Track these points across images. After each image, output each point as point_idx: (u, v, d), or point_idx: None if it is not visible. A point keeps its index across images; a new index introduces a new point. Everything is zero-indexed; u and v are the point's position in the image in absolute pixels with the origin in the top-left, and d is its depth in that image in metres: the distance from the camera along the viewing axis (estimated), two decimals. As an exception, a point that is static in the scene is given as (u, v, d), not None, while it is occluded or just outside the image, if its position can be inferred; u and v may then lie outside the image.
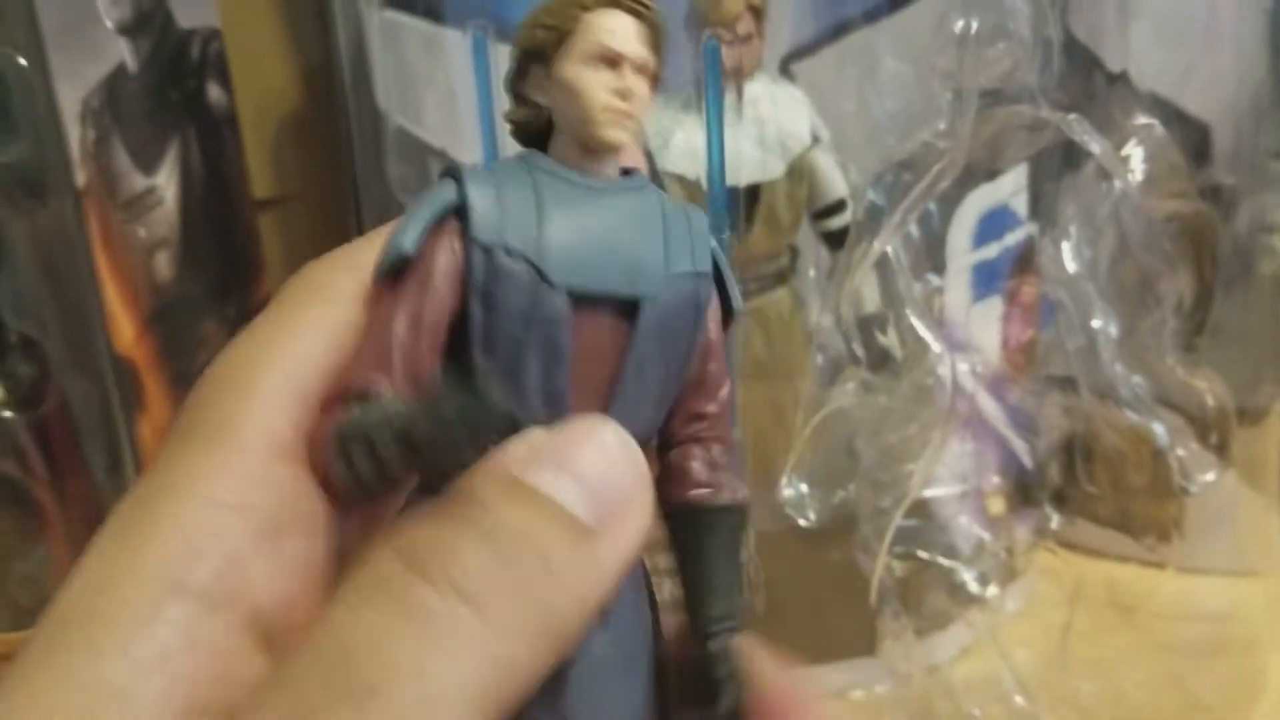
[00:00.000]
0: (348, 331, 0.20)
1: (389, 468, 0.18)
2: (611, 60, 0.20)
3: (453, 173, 0.20)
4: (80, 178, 0.40)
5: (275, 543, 0.18)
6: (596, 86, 0.20)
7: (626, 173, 0.22)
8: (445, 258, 0.19)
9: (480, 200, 0.19)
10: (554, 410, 0.20)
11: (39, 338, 0.42)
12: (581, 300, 0.20)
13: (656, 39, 0.21)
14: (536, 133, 0.21)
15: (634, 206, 0.21)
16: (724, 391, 0.22)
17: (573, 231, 0.20)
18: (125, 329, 0.42)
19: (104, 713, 0.16)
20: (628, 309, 0.20)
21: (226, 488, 0.18)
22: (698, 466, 0.21)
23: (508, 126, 0.22)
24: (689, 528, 0.21)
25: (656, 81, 0.21)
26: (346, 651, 0.16)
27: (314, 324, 0.20)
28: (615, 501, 0.19)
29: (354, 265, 0.20)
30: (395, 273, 0.20)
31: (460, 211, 0.20)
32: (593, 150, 0.21)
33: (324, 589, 0.19)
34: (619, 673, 0.20)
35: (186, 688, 0.17)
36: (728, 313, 0.22)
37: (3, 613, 0.45)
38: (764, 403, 0.48)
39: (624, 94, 0.20)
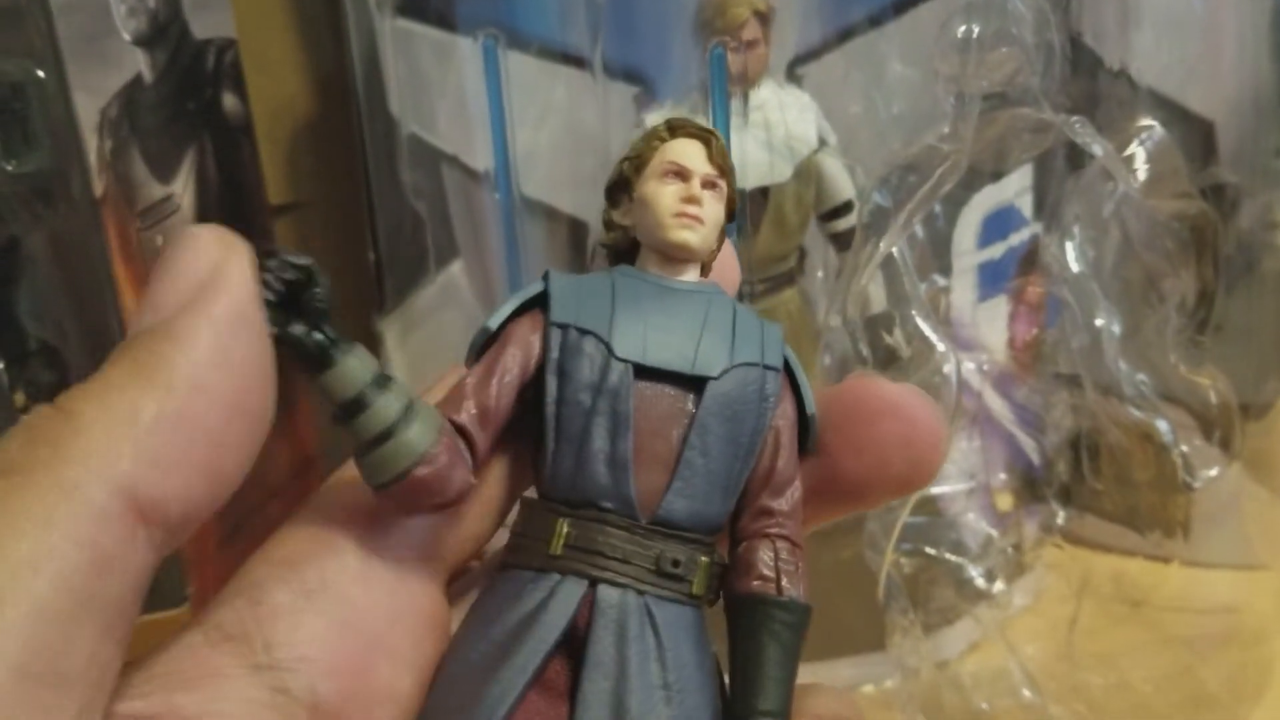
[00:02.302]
0: None
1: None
2: (681, 174, 0.23)
3: (545, 276, 0.23)
4: (98, 187, 0.41)
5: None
6: (667, 196, 0.23)
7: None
8: (524, 332, 0.22)
9: (560, 291, 0.22)
10: (616, 478, 0.21)
11: (58, 345, 0.43)
12: (646, 374, 0.22)
13: (724, 161, 0.24)
14: (624, 252, 0.24)
15: (706, 304, 0.23)
16: (794, 492, 0.23)
17: (642, 316, 0.22)
18: (144, 335, 0.43)
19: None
20: (692, 389, 0.22)
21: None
22: (764, 560, 0.22)
23: (602, 251, 0.25)
24: (748, 618, 0.22)
25: (731, 208, 0.24)
26: None
27: None
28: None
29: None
30: (482, 351, 0.22)
31: (545, 304, 0.22)
32: (669, 257, 0.23)
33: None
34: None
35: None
36: (803, 425, 0.23)
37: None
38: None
39: (691, 199, 0.23)
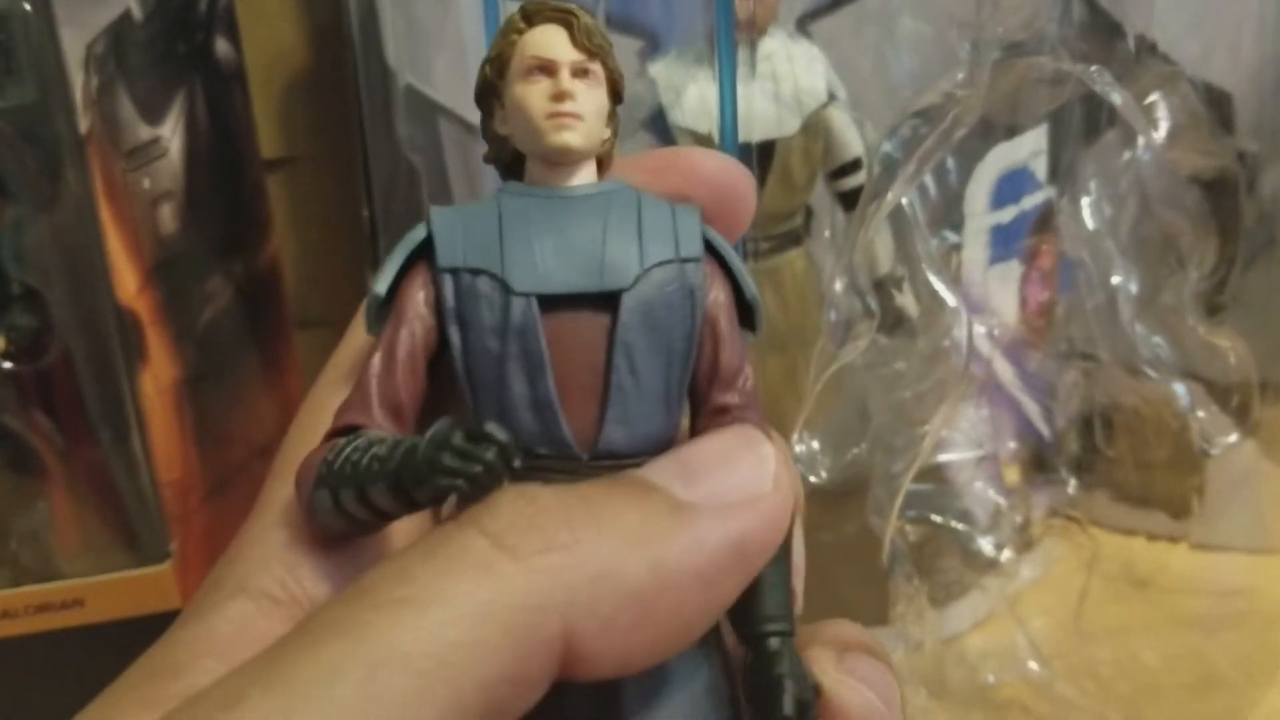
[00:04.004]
0: None
1: (380, 506, 0.18)
2: (545, 69, 0.21)
3: (426, 216, 0.21)
4: (83, 124, 0.40)
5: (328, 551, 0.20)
6: (535, 96, 0.21)
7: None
8: (417, 292, 0.20)
9: (443, 230, 0.20)
10: (545, 421, 0.20)
11: (42, 288, 0.41)
12: (551, 303, 0.20)
13: (592, 42, 0.21)
14: (509, 166, 0.22)
15: (604, 208, 0.21)
16: (746, 380, 0.21)
17: (534, 239, 0.20)
18: (128, 280, 0.41)
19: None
20: (606, 306, 0.20)
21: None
22: None
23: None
24: None
25: (614, 86, 0.22)
26: (371, 576, 0.17)
27: None
28: (728, 489, 0.19)
29: None
30: (379, 319, 0.21)
31: (430, 248, 0.20)
32: (553, 162, 0.21)
33: None
34: None
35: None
36: (745, 308, 0.21)
37: (4, 570, 0.45)
38: (777, 366, 0.47)
39: (561, 96, 0.21)
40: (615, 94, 0.22)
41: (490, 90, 0.22)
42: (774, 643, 0.20)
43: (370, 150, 0.50)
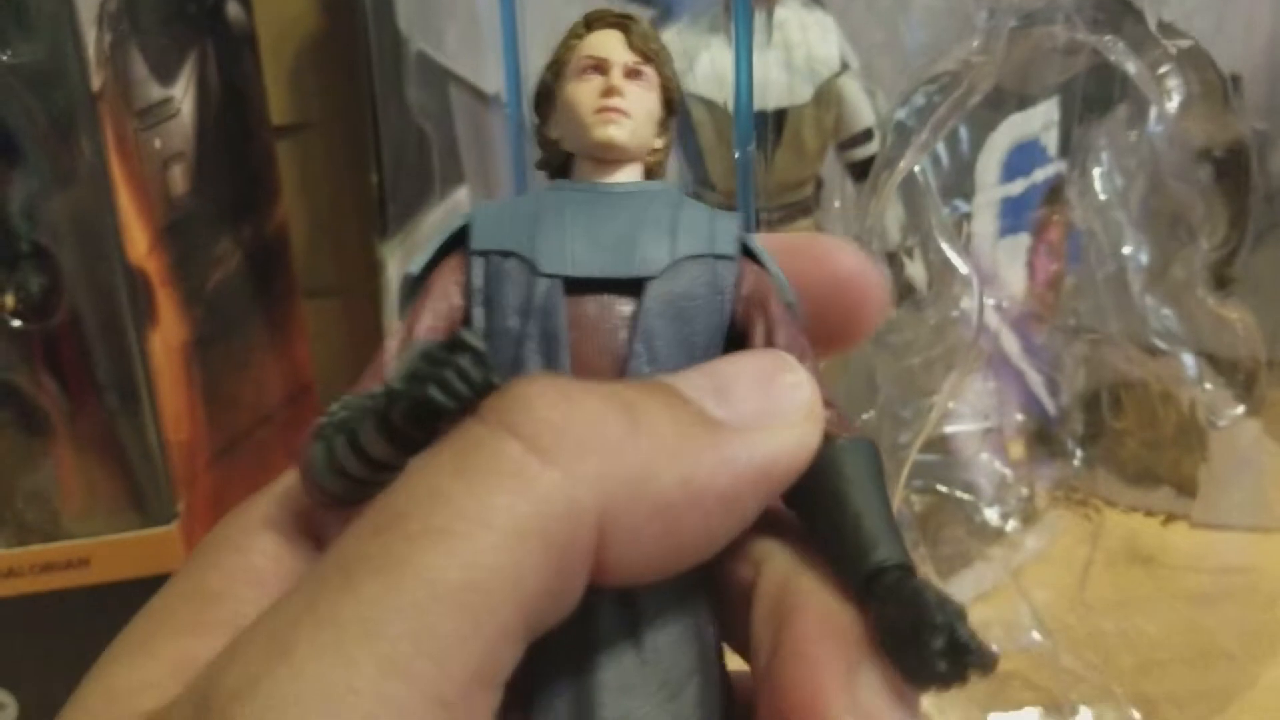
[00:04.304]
0: None
1: (373, 453, 0.18)
2: (599, 67, 0.21)
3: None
4: (96, 81, 0.39)
5: None
6: (586, 93, 0.21)
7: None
8: (447, 275, 0.20)
9: (482, 219, 0.20)
10: None
11: (51, 247, 0.41)
12: (576, 286, 0.20)
13: (648, 46, 0.21)
14: (560, 169, 0.22)
15: (645, 203, 0.21)
16: (815, 361, 0.20)
17: (568, 226, 0.20)
18: (138, 239, 0.41)
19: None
20: (632, 294, 0.20)
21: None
22: None
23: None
24: (825, 468, 0.19)
25: (669, 94, 0.22)
26: (400, 498, 0.16)
27: None
28: (760, 412, 0.18)
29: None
30: (409, 301, 0.21)
31: (466, 237, 0.20)
32: (599, 159, 0.21)
33: None
34: (660, 697, 0.18)
35: None
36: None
37: (9, 529, 0.45)
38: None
39: (611, 91, 0.21)
40: (669, 103, 0.22)
41: (547, 94, 0.22)
42: (893, 576, 0.18)
43: (380, 117, 0.50)
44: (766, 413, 0.18)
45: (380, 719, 0.14)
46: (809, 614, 0.18)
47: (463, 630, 0.15)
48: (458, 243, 0.20)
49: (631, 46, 0.21)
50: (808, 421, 0.18)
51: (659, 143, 0.22)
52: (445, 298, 0.20)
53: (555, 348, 0.19)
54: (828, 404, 0.19)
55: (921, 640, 0.16)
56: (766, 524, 0.19)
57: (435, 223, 0.51)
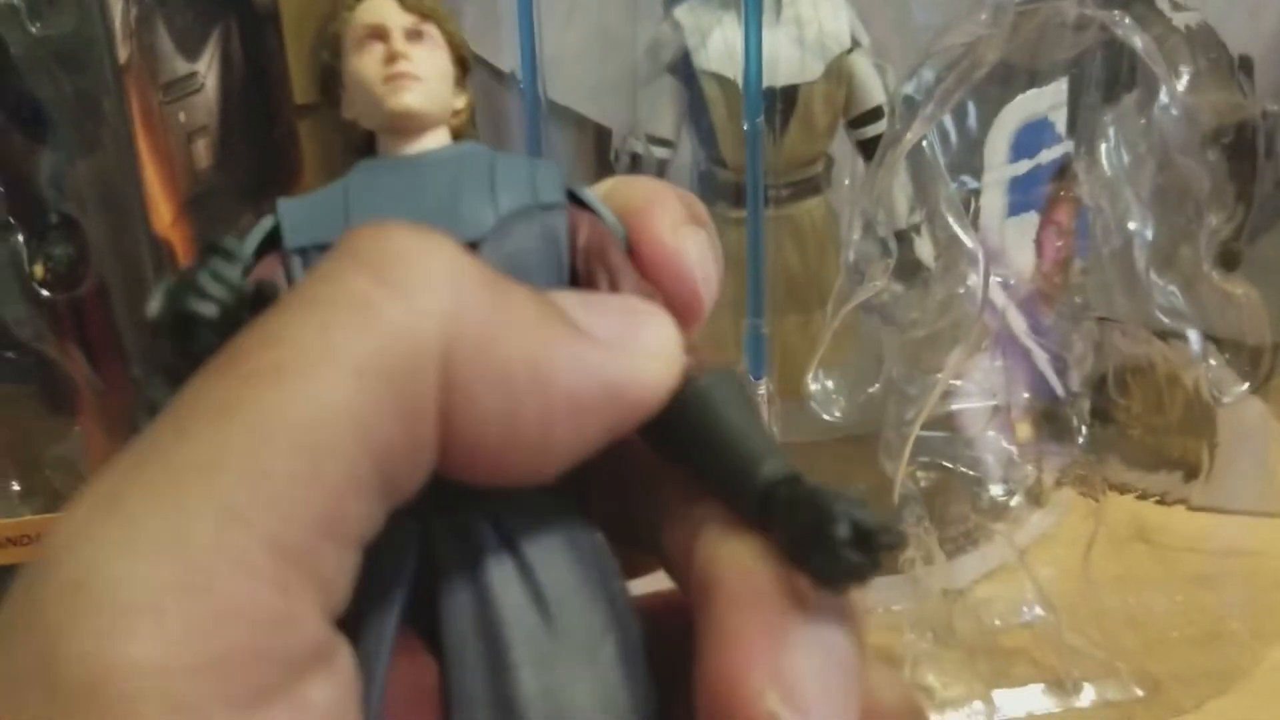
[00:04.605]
0: None
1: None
2: (377, 34, 0.20)
3: (273, 206, 0.20)
4: (123, 54, 0.40)
5: None
6: (370, 63, 0.20)
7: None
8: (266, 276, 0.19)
9: (290, 214, 0.19)
10: None
11: (78, 217, 0.42)
12: None
13: (422, 5, 0.20)
14: (361, 151, 0.21)
15: (457, 165, 0.20)
16: (657, 298, 0.19)
17: (381, 205, 0.19)
18: (163, 210, 0.42)
19: None
20: None
21: None
22: None
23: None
24: (693, 405, 0.18)
25: (457, 51, 0.21)
26: (241, 339, 0.15)
27: None
28: (622, 335, 0.17)
29: None
30: None
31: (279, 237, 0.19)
32: (397, 129, 0.20)
33: None
34: (578, 663, 0.17)
35: None
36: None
37: (37, 495, 0.46)
38: (794, 316, 0.48)
39: (394, 57, 0.20)
40: (461, 60, 0.21)
41: (331, 76, 0.21)
42: (784, 489, 0.16)
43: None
44: (628, 338, 0.17)
45: (218, 569, 0.14)
46: (727, 583, 0.16)
47: (302, 472, 0.14)
48: (271, 245, 0.19)
49: (406, 7, 0.20)
50: (667, 358, 0.17)
51: (459, 103, 0.21)
52: None
53: None
54: (690, 350, 0.18)
55: (825, 535, 0.15)
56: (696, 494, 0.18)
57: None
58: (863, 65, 0.44)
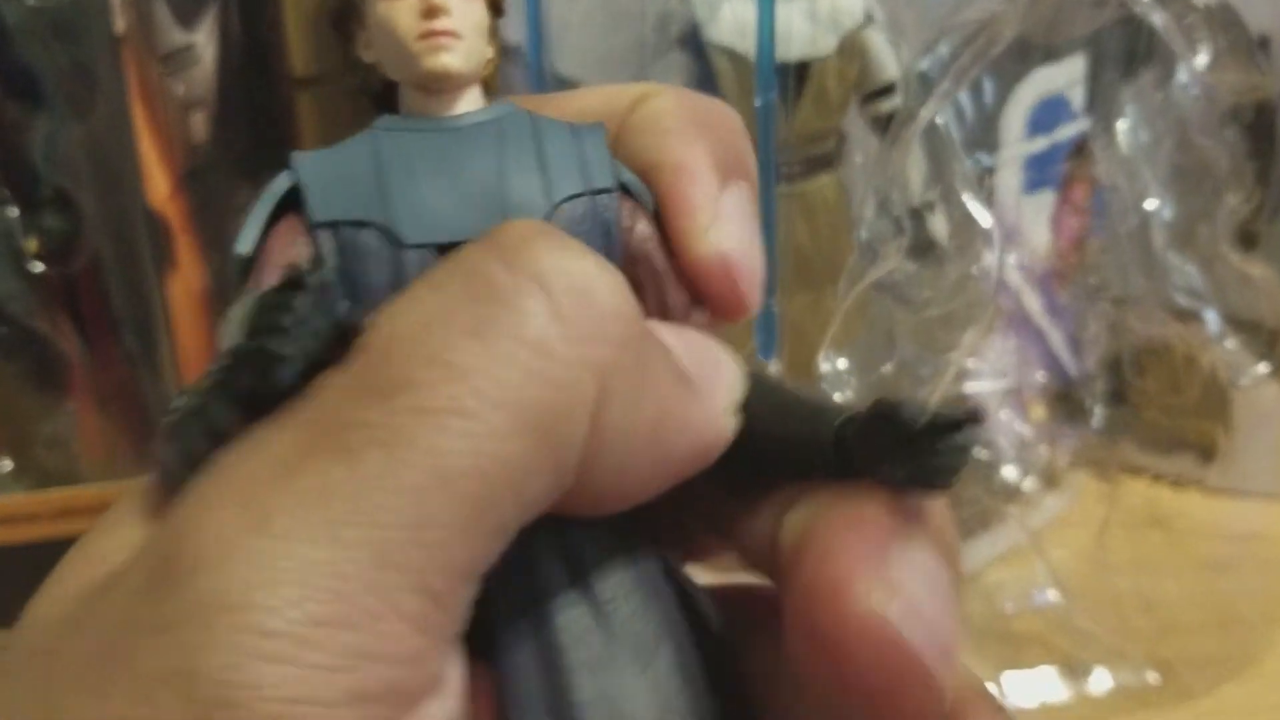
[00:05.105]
0: None
1: (235, 435, 0.15)
2: None
3: (289, 161, 0.18)
4: (119, 24, 0.40)
5: None
6: (404, 14, 0.18)
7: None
8: (289, 251, 0.17)
9: (313, 178, 0.17)
10: None
11: (72, 191, 0.41)
12: (450, 252, 0.17)
13: None
14: (380, 96, 0.19)
15: (498, 137, 0.18)
16: (698, 318, 0.19)
17: (423, 181, 0.17)
18: (159, 184, 0.42)
19: None
20: None
21: None
22: None
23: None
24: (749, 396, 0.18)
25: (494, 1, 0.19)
26: (403, 354, 0.15)
27: None
28: (712, 388, 0.18)
29: None
30: (243, 286, 0.18)
31: (298, 200, 0.17)
32: (430, 89, 0.18)
33: None
34: (634, 667, 0.17)
35: None
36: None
37: (29, 474, 0.45)
38: (804, 295, 0.47)
39: (434, 11, 0.18)
40: (495, 6, 0.19)
41: (349, 9, 0.19)
42: (852, 425, 0.17)
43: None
44: (709, 390, 0.17)
45: (369, 609, 0.13)
46: (832, 516, 0.17)
47: (462, 522, 0.14)
48: (286, 207, 0.18)
49: None
50: (735, 407, 0.18)
51: (490, 52, 0.19)
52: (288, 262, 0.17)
53: None
54: None
55: (906, 437, 0.16)
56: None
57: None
58: (876, 40, 0.43)
